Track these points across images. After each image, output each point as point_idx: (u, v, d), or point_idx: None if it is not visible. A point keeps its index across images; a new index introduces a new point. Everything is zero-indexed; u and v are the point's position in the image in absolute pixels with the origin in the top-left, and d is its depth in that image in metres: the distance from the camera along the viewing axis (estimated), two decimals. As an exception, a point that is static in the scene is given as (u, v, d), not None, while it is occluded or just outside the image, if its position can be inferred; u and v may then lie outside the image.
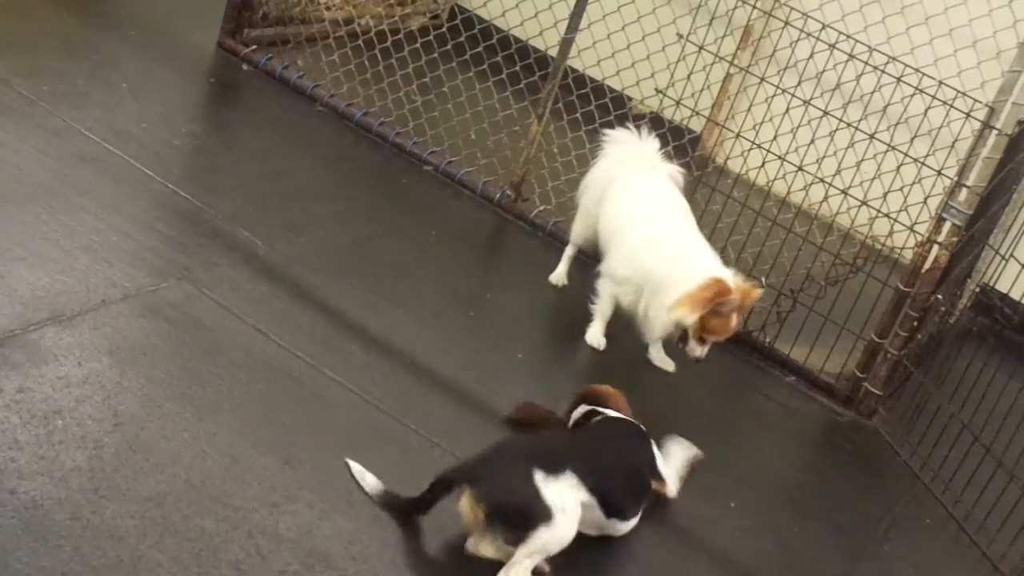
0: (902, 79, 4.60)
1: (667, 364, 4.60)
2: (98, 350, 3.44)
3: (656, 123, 5.22)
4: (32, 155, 4.30)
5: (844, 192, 4.81)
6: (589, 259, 4.78)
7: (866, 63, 4.66)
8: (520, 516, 3.13)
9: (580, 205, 4.85)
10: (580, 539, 3.26)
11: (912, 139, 4.68)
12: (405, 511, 3.25)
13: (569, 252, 4.91)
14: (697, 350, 4.31)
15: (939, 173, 4.59)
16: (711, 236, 4.97)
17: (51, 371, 3.28)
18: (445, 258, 4.83)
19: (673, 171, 4.74)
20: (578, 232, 4.85)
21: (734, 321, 4.29)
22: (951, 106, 4.49)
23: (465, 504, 3.13)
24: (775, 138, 4.90)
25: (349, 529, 3.17)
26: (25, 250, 3.75)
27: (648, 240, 4.45)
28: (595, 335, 4.55)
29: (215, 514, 3.03)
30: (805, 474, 4.41)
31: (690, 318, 4.21)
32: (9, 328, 3.38)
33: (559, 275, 4.89)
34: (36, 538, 2.76)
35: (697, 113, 5.09)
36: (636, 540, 3.56)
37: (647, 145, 4.74)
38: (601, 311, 4.55)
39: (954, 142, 4.58)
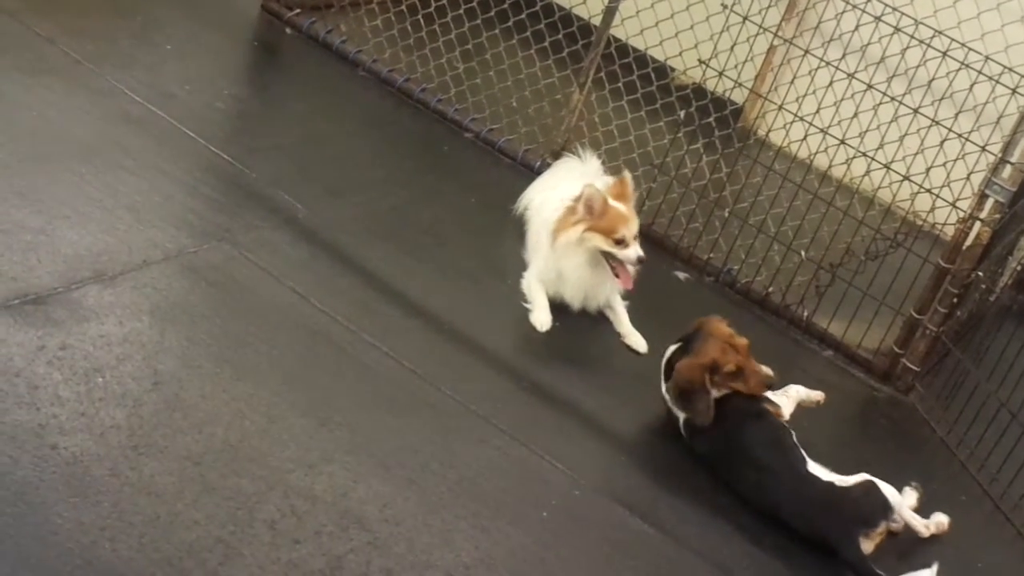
0: (948, 53, 4.56)
1: (639, 345, 4.38)
2: (139, 309, 3.47)
3: (698, 94, 5.21)
4: (77, 115, 4.33)
5: (886, 167, 4.77)
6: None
7: (912, 36, 4.61)
8: None
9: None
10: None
11: (956, 114, 4.64)
12: None
13: None
14: (623, 252, 4.23)
15: (983, 149, 4.54)
16: (751, 209, 4.96)
17: (93, 329, 3.31)
18: (484, 225, 4.84)
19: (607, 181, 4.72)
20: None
21: (624, 207, 4.28)
22: (997, 81, 4.45)
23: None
24: (818, 111, 4.86)
25: (384, 492, 3.19)
26: (69, 209, 3.78)
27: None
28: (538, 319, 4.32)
29: (251, 474, 3.06)
30: (841, 449, 4.39)
31: (578, 232, 4.24)
32: (52, 286, 3.42)
33: None
34: (76, 493, 2.80)
35: (740, 85, 5.06)
36: (666, 511, 3.59)
37: (589, 163, 4.82)
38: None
39: (999, 118, 4.54)
